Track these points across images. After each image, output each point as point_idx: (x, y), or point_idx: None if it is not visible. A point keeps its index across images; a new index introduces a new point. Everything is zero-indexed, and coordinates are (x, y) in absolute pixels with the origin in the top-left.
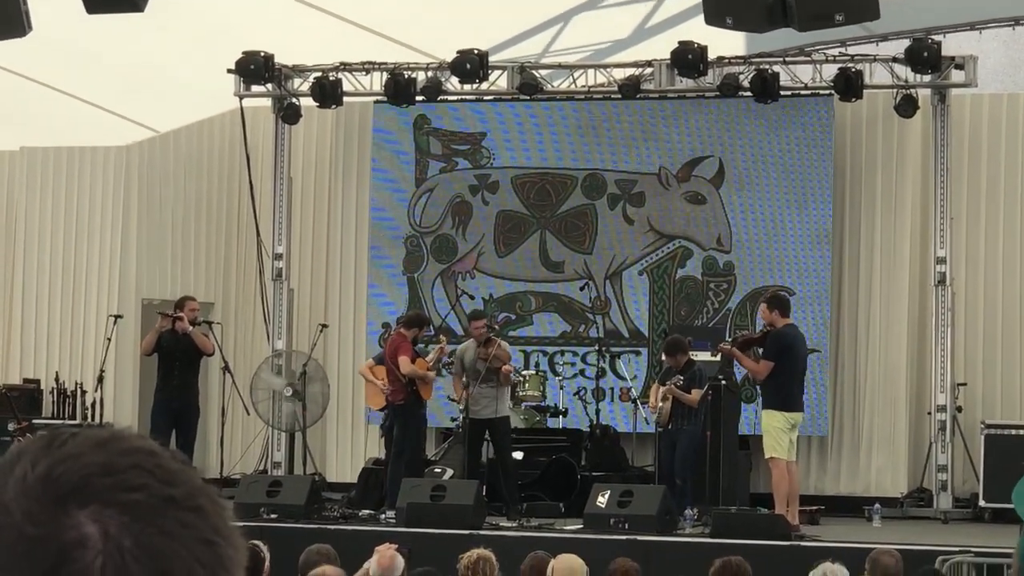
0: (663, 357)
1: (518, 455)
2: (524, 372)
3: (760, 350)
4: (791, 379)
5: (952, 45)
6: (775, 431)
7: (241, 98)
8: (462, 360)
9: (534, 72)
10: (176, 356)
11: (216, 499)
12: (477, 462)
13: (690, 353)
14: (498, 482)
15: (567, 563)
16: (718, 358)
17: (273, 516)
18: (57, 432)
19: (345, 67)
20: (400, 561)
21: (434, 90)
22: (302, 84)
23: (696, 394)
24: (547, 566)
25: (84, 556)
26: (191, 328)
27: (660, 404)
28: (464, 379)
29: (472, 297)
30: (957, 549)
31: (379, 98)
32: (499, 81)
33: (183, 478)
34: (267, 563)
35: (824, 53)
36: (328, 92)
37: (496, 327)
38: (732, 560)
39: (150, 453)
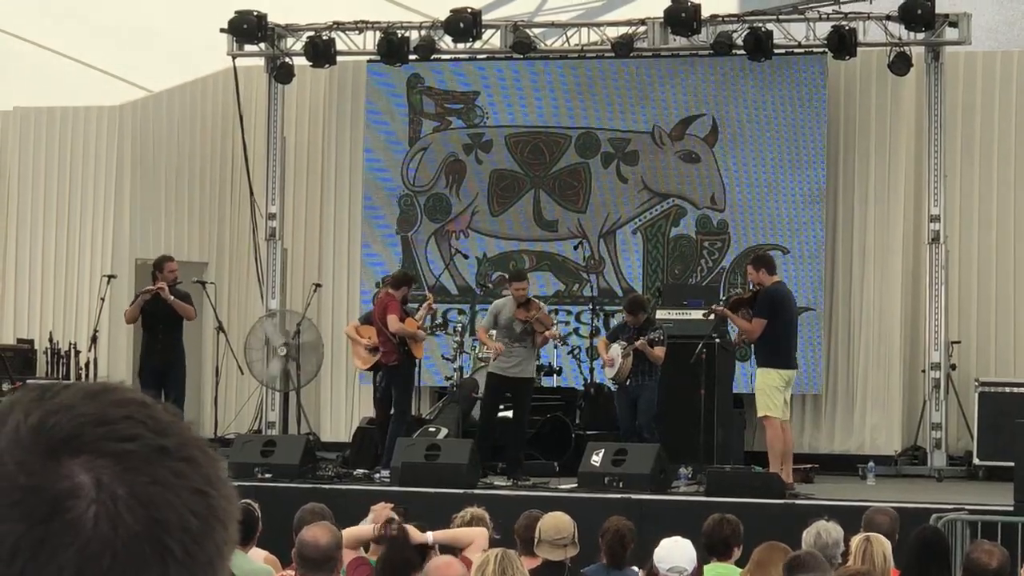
0: (626, 315)
1: (507, 413)
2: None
3: (751, 310)
4: (785, 336)
5: (946, 3)
6: (769, 389)
7: (234, 58)
8: (496, 316)
9: (527, 31)
10: (159, 318)
11: (208, 450)
12: (492, 418)
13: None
14: (507, 440)
15: (553, 521)
16: (711, 318)
17: (267, 476)
18: (50, 384)
19: (338, 26)
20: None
21: (427, 49)
22: (295, 43)
23: (660, 351)
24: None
25: (77, 505)
26: (171, 298)
27: (619, 360)
28: (491, 332)
29: (466, 256)
30: (951, 507)
31: (372, 57)
32: (492, 40)
33: (175, 429)
34: (259, 522)
35: (818, 11)
36: (321, 51)
37: (489, 286)
38: (725, 518)
39: (142, 404)
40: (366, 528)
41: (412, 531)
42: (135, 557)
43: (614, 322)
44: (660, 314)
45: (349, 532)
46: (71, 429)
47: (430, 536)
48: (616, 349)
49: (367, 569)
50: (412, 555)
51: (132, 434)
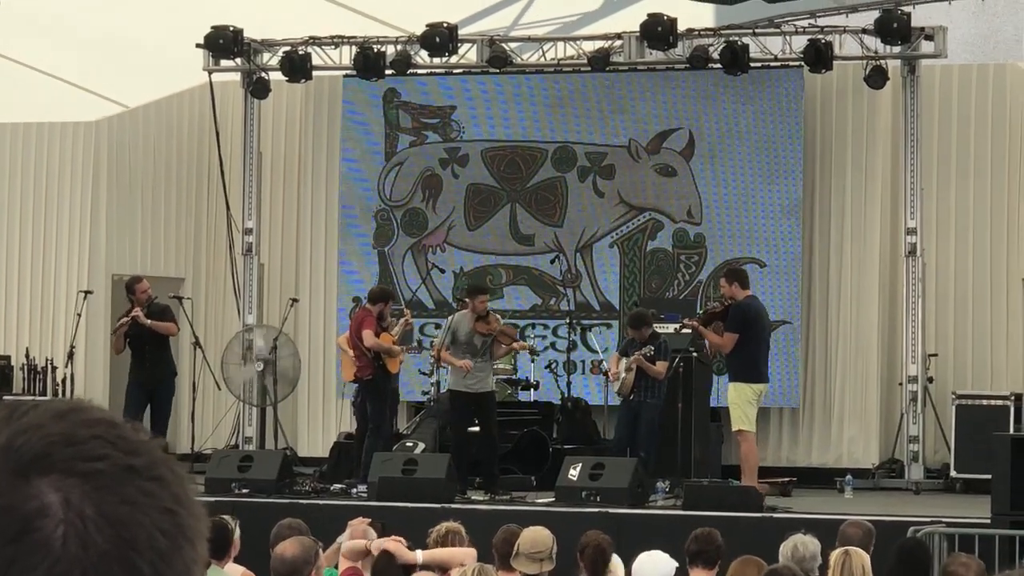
0: (628, 330)
1: (475, 428)
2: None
3: (722, 324)
4: (757, 350)
5: (922, 16)
6: (743, 403)
7: (210, 73)
8: (455, 332)
9: (503, 45)
10: (144, 339)
11: (176, 469)
12: (464, 435)
13: (655, 326)
14: (482, 456)
15: (532, 535)
16: (685, 332)
17: (244, 491)
18: (18, 403)
19: (314, 41)
20: (372, 535)
21: (403, 64)
22: (271, 58)
23: (662, 366)
24: (518, 539)
25: (46, 525)
26: (149, 322)
27: (624, 374)
28: (449, 350)
29: (443, 271)
30: (929, 519)
31: (348, 72)
32: (468, 54)
33: (144, 448)
34: (237, 537)
35: (794, 24)
36: (297, 66)
37: (466, 300)
38: (712, 530)
39: (111, 424)
40: (363, 543)
41: (401, 550)
42: None
43: (591, 336)
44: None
45: (348, 546)
46: (40, 449)
47: (419, 555)
48: (623, 363)
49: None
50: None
51: (101, 454)
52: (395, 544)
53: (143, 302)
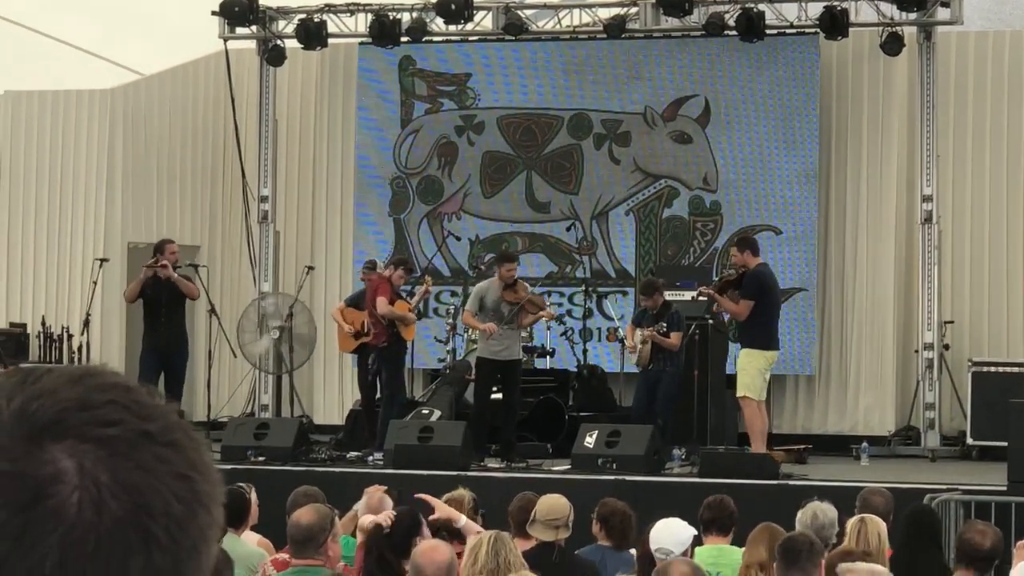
0: (640, 299)
1: (497, 396)
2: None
3: (737, 291)
4: (771, 317)
5: None
6: (754, 371)
7: (226, 40)
8: (482, 299)
9: (519, 12)
10: (162, 301)
11: (192, 434)
12: (486, 402)
13: (669, 294)
14: (500, 423)
15: (549, 503)
16: (701, 300)
17: (260, 459)
18: (32, 368)
19: (330, 8)
20: (388, 503)
21: (419, 31)
22: (287, 26)
23: (676, 337)
24: (534, 507)
25: (60, 491)
26: (175, 276)
27: (640, 346)
28: (476, 317)
29: (458, 238)
30: (945, 487)
31: (364, 40)
32: (484, 22)
33: (159, 413)
34: (254, 505)
35: None
36: (313, 34)
37: (482, 268)
38: (725, 496)
39: (126, 388)
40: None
41: (444, 507)
42: (119, 543)
43: (607, 304)
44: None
45: (365, 520)
46: (54, 414)
47: (463, 519)
48: (638, 336)
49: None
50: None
51: (115, 419)
52: (438, 502)
53: (172, 263)
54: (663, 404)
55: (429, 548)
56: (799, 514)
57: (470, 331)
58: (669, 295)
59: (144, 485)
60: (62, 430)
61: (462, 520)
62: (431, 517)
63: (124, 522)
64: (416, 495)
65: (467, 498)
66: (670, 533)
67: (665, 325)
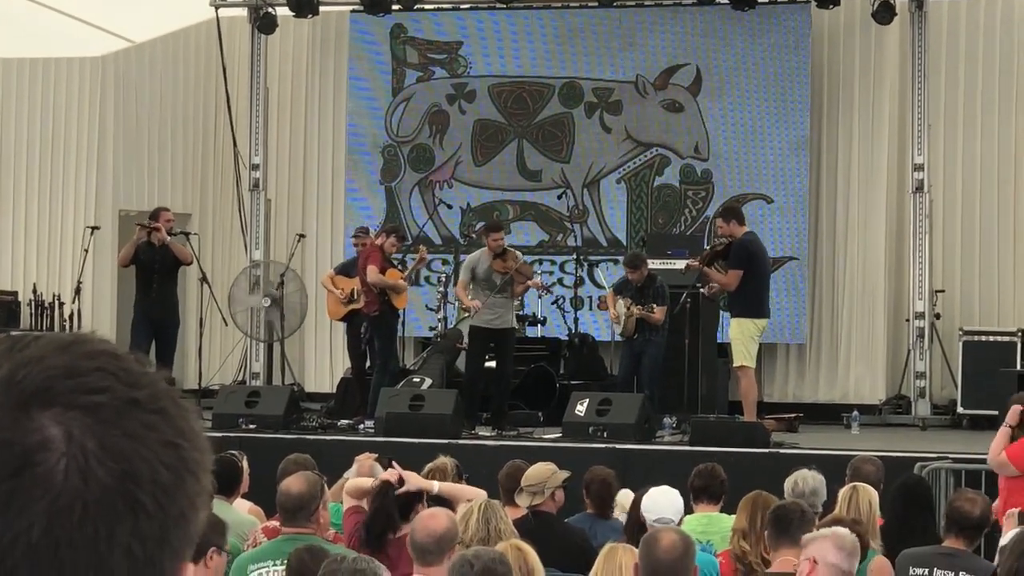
0: (625, 270)
1: (491, 364)
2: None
3: (724, 262)
4: (760, 285)
5: None
6: (746, 339)
7: (217, 8)
8: (473, 270)
9: None
10: (154, 268)
11: (180, 402)
12: (479, 370)
13: (655, 263)
14: (492, 391)
15: (531, 470)
16: (687, 272)
17: (252, 427)
18: (20, 336)
19: None
20: (379, 471)
21: None
22: None
23: (660, 312)
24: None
25: (48, 459)
26: (168, 239)
27: (623, 318)
28: (470, 287)
29: (450, 207)
30: (935, 455)
31: (356, 7)
32: None
33: (146, 381)
34: (245, 473)
35: None
36: (304, 1)
37: (473, 236)
38: (715, 465)
39: (113, 356)
40: (367, 481)
41: (416, 478)
42: (106, 510)
43: (598, 272)
44: None
45: (352, 483)
46: (41, 382)
47: (436, 485)
48: (621, 306)
49: (361, 518)
50: (394, 510)
51: (103, 386)
52: (410, 473)
53: (167, 230)
54: (649, 374)
55: (428, 515)
56: (785, 482)
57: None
58: (660, 264)
59: (131, 452)
60: (49, 398)
61: (435, 487)
62: (398, 491)
63: (111, 489)
64: (382, 478)
65: (449, 466)
66: (668, 502)
67: (654, 306)
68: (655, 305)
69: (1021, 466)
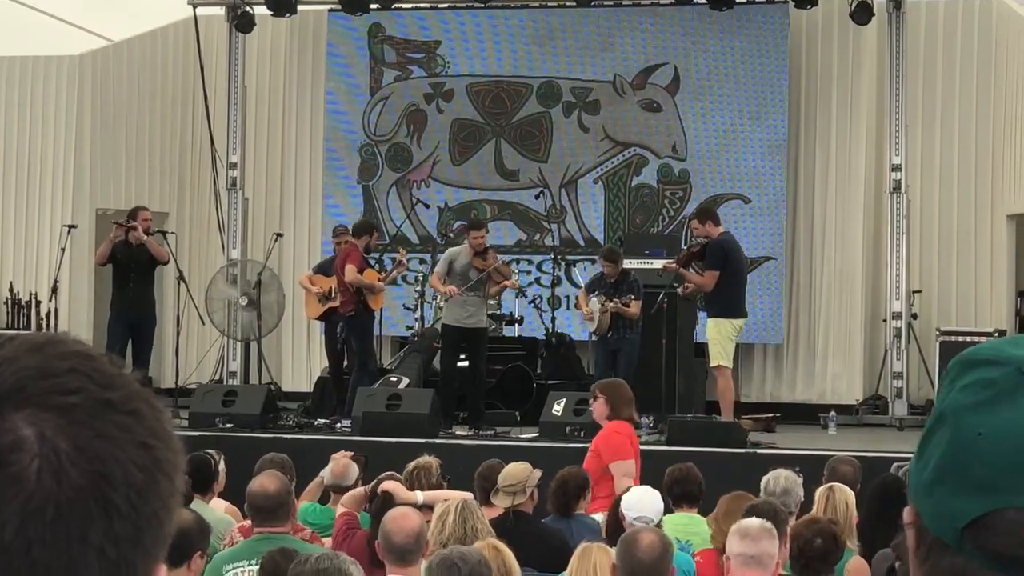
0: (602, 263)
1: (463, 364)
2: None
3: (701, 263)
4: (736, 285)
5: None
6: (723, 339)
7: (195, 7)
8: (451, 263)
9: None
10: (131, 267)
11: (153, 403)
12: (453, 369)
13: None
14: (468, 391)
15: (508, 470)
16: (663, 275)
17: (228, 426)
18: None
19: None
20: (354, 469)
21: None
22: None
23: (636, 306)
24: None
25: (20, 459)
26: (145, 237)
27: (598, 315)
28: (444, 279)
29: (427, 206)
30: (912, 456)
31: (333, 6)
32: None
33: (120, 382)
34: (222, 473)
35: None
36: (282, 0)
37: (451, 235)
38: (691, 466)
39: (87, 357)
40: (359, 490)
41: (400, 490)
42: (79, 511)
43: (575, 272)
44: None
45: (349, 496)
46: (14, 382)
47: (419, 496)
48: (595, 303)
49: (352, 520)
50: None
51: (76, 387)
52: (395, 484)
53: (144, 229)
54: (625, 372)
55: (400, 515)
56: (761, 482)
57: (438, 298)
58: (638, 263)
59: (105, 453)
60: (23, 398)
61: (419, 498)
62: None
63: (84, 490)
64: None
65: (434, 465)
66: (651, 501)
67: (632, 297)
68: (632, 297)
69: None
